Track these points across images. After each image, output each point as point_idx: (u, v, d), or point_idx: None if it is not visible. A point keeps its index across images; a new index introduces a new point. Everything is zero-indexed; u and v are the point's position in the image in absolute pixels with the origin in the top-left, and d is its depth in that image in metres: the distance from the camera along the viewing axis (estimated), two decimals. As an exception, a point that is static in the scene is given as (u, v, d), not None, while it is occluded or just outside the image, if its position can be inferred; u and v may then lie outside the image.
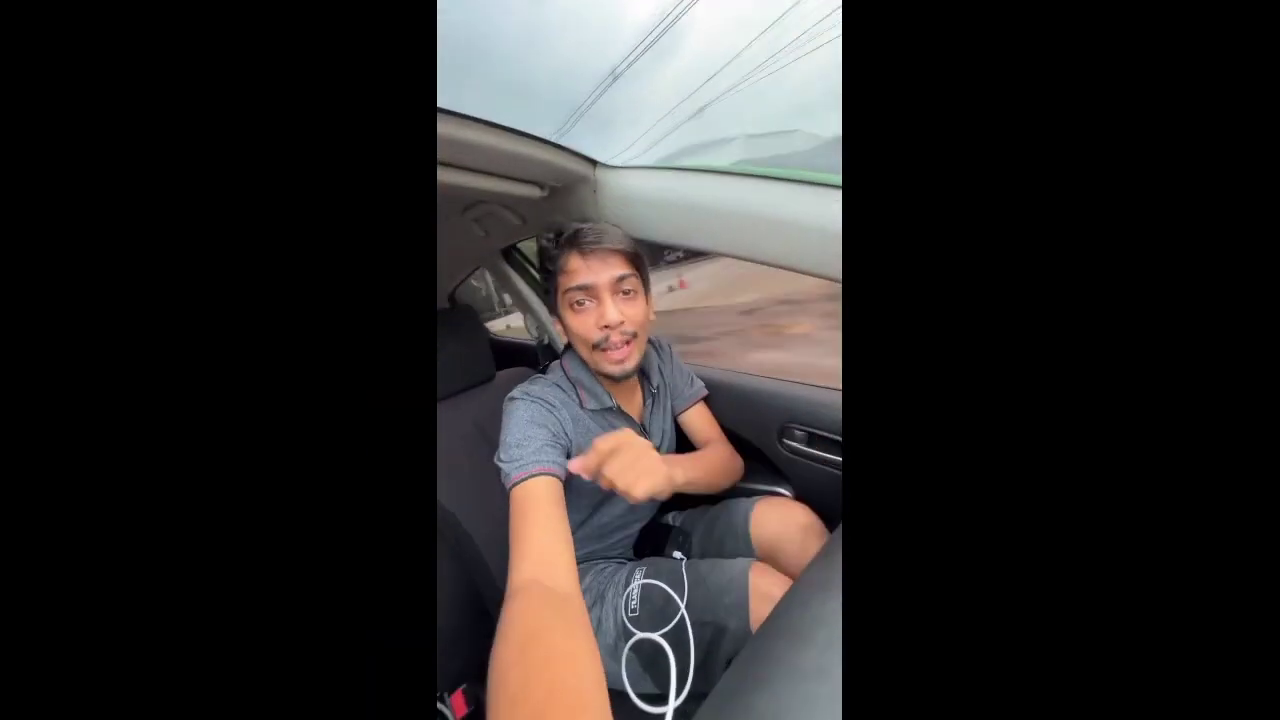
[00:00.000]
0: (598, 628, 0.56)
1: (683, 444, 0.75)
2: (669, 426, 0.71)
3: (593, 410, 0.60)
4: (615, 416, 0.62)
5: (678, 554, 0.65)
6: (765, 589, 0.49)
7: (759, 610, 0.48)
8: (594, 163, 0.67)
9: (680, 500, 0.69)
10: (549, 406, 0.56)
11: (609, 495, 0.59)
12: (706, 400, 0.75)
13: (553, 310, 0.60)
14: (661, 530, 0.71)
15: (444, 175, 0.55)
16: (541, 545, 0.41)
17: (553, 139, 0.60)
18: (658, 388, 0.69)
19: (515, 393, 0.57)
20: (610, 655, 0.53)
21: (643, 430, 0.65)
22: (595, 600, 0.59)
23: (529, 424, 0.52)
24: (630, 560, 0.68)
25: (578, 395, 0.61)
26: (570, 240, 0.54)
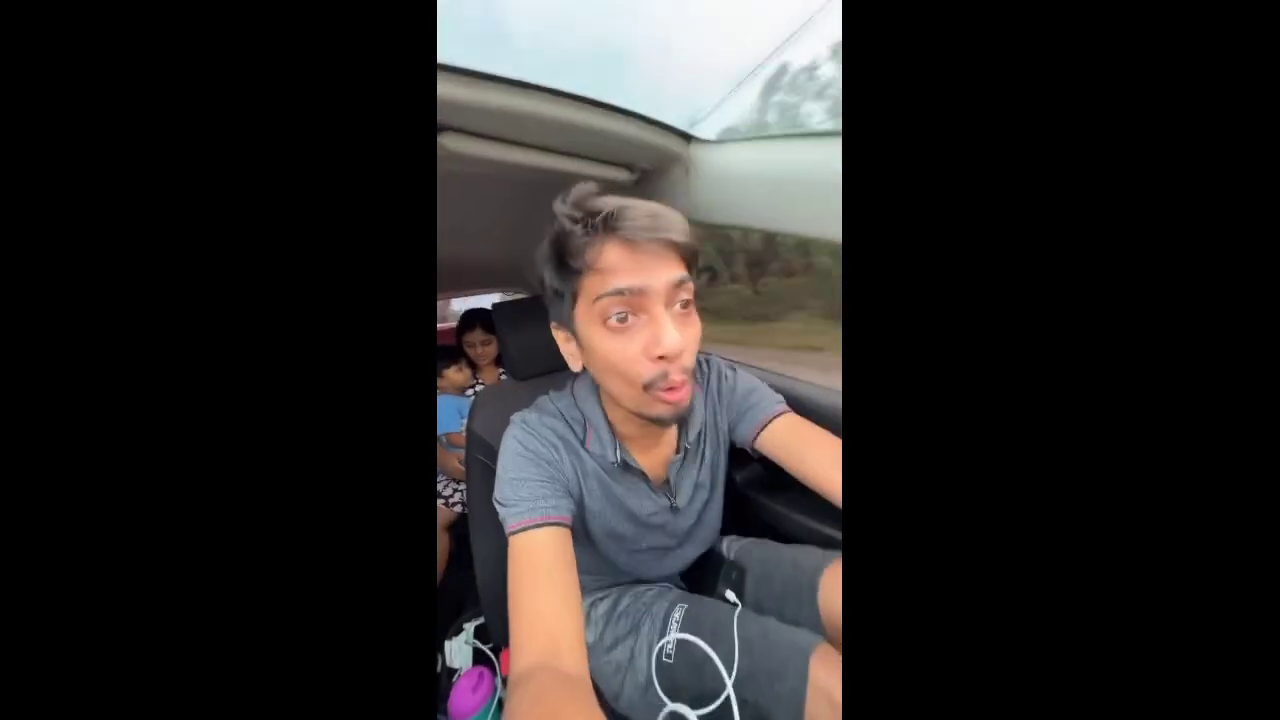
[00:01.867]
0: (629, 662, 0.50)
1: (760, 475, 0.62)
2: (708, 478, 0.55)
3: (597, 455, 0.48)
4: (626, 472, 0.49)
5: (730, 595, 0.54)
6: (827, 685, 0.40)
7: (817, 711, 0.39)
8: (687, 138, 0.58)
9: (738, 521, 0.60)
10: (548, 443, 0.45)
11: (654, 526, 0.53)
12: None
13: (563, 322, 0.42)
14: (713, 558, 0.61)
15: (521, 155, 0.54)
16: (548, 621, 0.35)
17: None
18: (699, 437, 0.52)
19: (515, 417, 0.48)
20: (641, 695, 0.48)
21: (665, 485, 0.51)
22: (631, 629, 0.52)
23: (525, 460, 0.43)
24: (675, 587, 0.60)
25: (584, 434, 0.47)
26: (610, 223, 0.36)
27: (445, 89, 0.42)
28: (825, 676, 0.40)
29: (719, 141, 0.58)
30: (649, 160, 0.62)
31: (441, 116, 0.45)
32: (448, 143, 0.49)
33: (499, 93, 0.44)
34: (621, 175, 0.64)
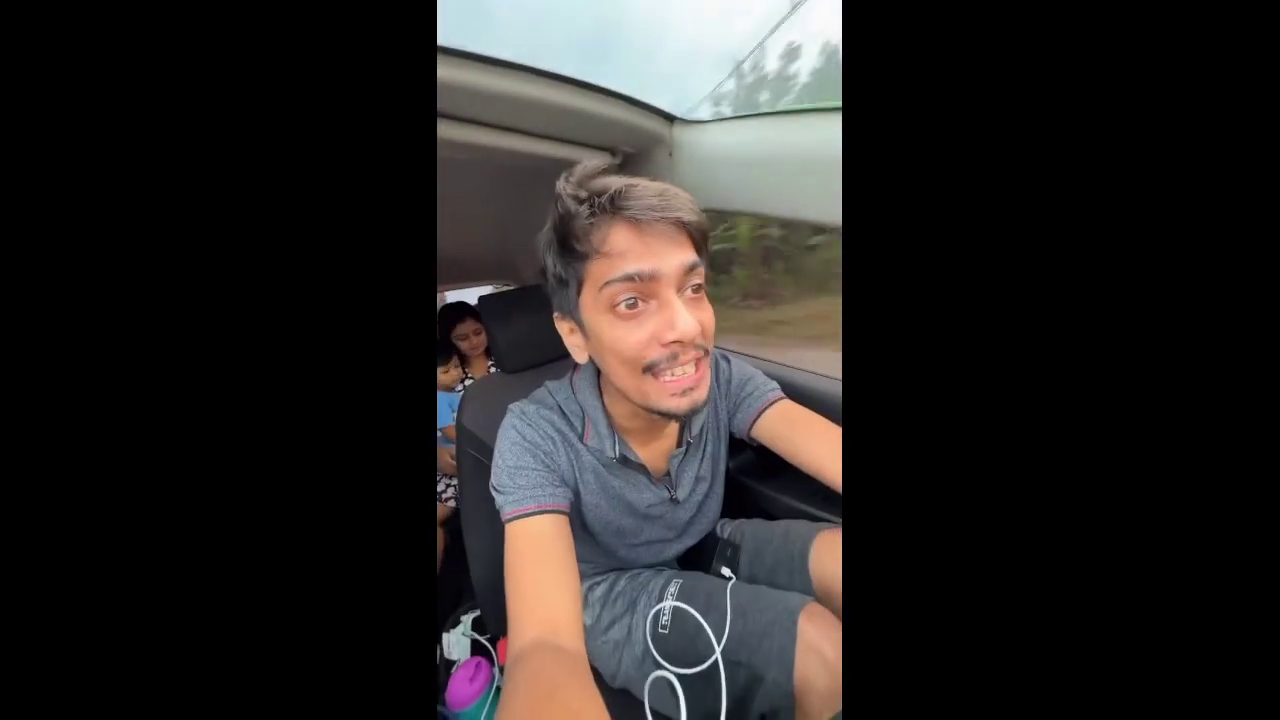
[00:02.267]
0: (626, 637, 0.52)
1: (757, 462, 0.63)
2: (708, 470, 0.55)
3: (595, 450, 0.47)
4: (625, 466, 0.48)
5: (726, 570, 0.56)
6: (816, 640, 0.41)
7: (806, 665, 0.40)
8: (670, 118, 0.57)
9: (731, 506, 0.63)
10: (546, 435, 0.45)
11: (653, 517, 0.53)
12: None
13: (567, 312, 0.40)
14: (708, 539, 0.62)
15: (500, 140, 0.53)
16: (546, 601, 0.35)
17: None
18: (701, 433, 0.52)
19: (513, 406, 0.48)
20: (638, 668, 0.49)
21: (666, 478, 0.51)
22: (627, 608, 0.53)
23: (523, 449, 0.43)
24: (671, 568, 0.61)
25: (582, 427, 0.47)
26: (617, 202, 0.34)
27: None
28: (814, 633, 0.41)
29: (703, 121, 0.57)
30: (631, 143, 0.61)
31: None
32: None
33: (476, 72, 0.43)
34: (603, 160, 0.63)
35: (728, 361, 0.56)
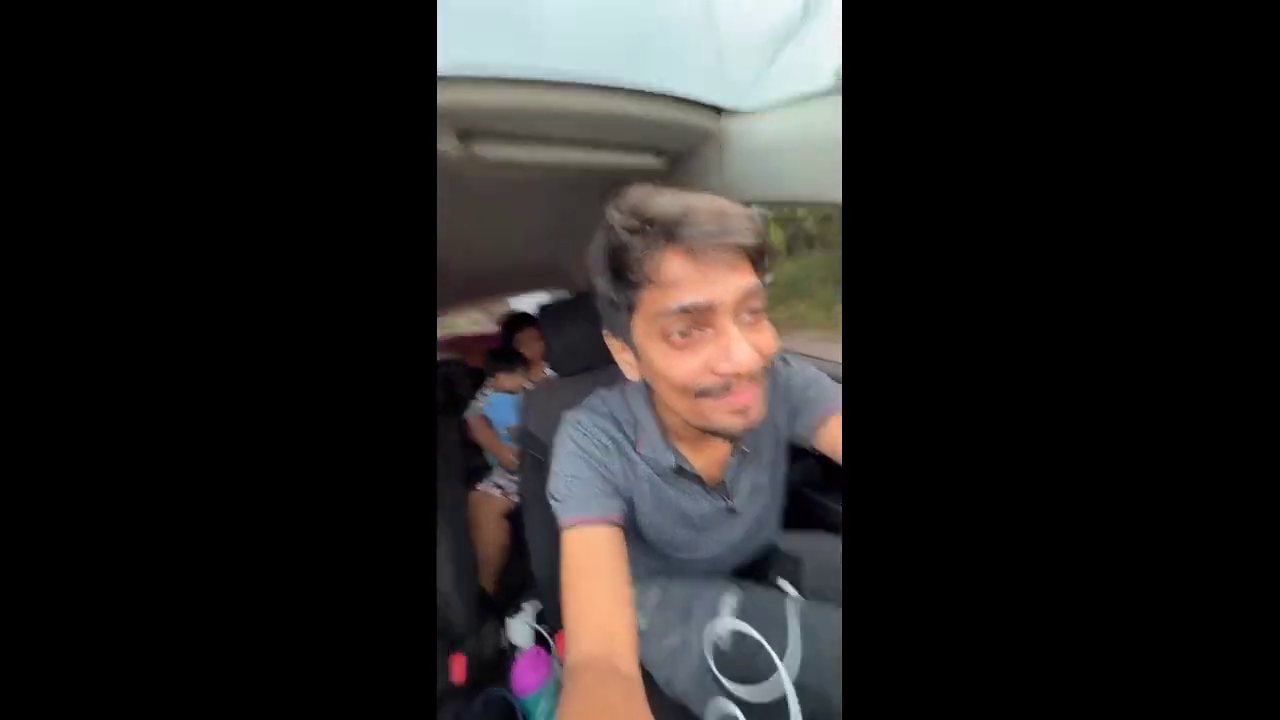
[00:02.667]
0: (683, 646, 0.50)
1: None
2: (766, 479, 0.53)
3: (650, 459, 0.46)
4: (681, 476, 0.47)
5: (784, 583, 0.52)
6: None
7: None
8: (718, 111, 0.55)
9: (793, 519, 0.59)
10: (600, 445, 0.45)
11: (708, 529, 0.51)
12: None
13: (617, 332, 0.40)
14: (767, 551, 0.59)
15: (550, 154, 0.54)
16: (601, 615, 0.36)
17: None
18: (756, 439, 0.50)
19: (567, 415, 0.48)
20: (695, 684, 0.47)
21: (721, 486, 0.49)
22: (682, 616, 0.51)
23: (579, 458, 0.44)
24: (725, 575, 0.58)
25: (636, 436, 0.47)
26: (670, 230, 0.32)
27: (469, 95, 0.43)
28: None
29: (754, 112, 0.54)
30: (678, 142, 0.60)
31: (469, 123, 0.46)
32: (481, 151, 0.50)
33: (521, 92, 0.45)
34: (650, 162, 0.62)
35: (787, 363, 0.52)
